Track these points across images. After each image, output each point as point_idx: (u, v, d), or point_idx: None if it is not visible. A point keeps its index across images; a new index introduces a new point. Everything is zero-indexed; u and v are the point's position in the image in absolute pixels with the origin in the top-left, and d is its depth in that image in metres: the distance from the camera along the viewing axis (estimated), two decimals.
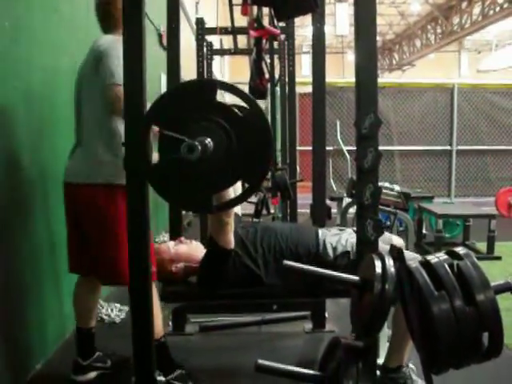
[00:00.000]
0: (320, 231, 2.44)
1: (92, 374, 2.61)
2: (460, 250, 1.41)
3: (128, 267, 1.80)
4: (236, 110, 1.64)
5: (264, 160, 1.66)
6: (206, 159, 1.56)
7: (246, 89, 3.20)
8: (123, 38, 1.73)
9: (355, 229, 2.42)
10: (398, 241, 2.52)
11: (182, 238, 2.51)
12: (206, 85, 1.70)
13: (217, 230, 2.15)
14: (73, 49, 2.99)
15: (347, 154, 7.31)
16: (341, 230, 2.54)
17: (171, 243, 2.47)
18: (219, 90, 1.63)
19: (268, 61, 4.45)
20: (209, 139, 1.58)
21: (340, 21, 12.79)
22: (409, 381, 2.29)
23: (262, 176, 1.73)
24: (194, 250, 2.42)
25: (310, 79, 2.98)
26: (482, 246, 5.25)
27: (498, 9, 13.85)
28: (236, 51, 6.39)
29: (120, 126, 2.25)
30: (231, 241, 2.17)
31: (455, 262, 1.36)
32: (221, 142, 1.60)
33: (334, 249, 2.31)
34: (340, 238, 2.37)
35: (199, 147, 1.53)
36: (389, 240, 2.35)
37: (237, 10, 3.27)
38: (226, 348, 2.92)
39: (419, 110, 8.54)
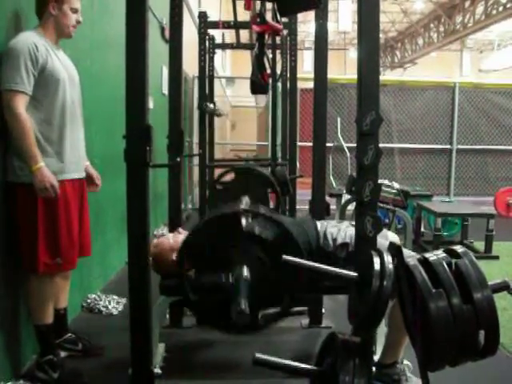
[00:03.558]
0: (319, 223, 2.44)
1: (61, 354, 2.64)
2: (458, 248, 1.41)
3: None
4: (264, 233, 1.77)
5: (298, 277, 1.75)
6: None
7: (247, 83, 3.20)
8: (126, 31, 1.73)
9: (352, 222, 2.44)
10: (394, 237, 2.52)
11: (180, 229, 2.53)
12: (231, 217, 1.81)
13: None
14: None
15: (347, 151, 7.31)
16: (339, 222, 2.55)
17: (170, 235, 2.50)
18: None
19: (270, 56, 4.46)
20: (245, 268, 1.69)
21: (343, 17, 12.78)
22: (403, 377, 2.30)
23: (302, 289, 1.83)
24: None
25: (312, 75, 2.98)
26: (480, 245, 5.26)
27: (501, 8, 13.82)
28: (238, 46, 6.40)
29: None
30: None
31: (453, 261, 1.37)
32: (256, 267, 1.72)
33: (334, 240, 2.31)
34: (339, 229, 2.37)
35: (247, 309, 1.60)
36: (385, 235, 2.35)
37: (240, 5, 3.27)
38: (223, 342, 2.92)
39: (420, 108, 8.54)
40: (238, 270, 1.68)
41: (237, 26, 4.97)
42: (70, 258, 2.49)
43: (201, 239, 1.79)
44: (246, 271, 1.67)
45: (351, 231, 2.34)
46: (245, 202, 2.21)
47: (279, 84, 5.48)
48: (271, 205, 5.01)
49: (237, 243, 1.72)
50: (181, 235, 2.44)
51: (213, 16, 5.12)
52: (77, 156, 2.55)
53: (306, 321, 3.20)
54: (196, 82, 7.17)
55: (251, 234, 1.73)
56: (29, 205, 2.33)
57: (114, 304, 3.49)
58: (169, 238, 2.43)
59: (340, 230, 2.36)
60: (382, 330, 2.44)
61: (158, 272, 2.33)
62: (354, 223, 2.38)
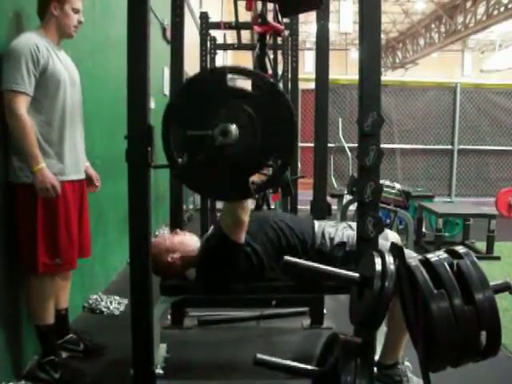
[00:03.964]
0: (317, 222, 2.44)
1: (62, 355, 2.66)
2: (460, 249, 1.41)
3: None
4: (250, 91, 1.65)
5: (289, 133, 1.67)
6: (234, 144, 1.59)
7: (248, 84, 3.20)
8: (128, 32, 1.73)
9: (350, 223, 2.44)
10: (395, 236, 2.53)
11: (178, 230, 2.52)
12: (215, 73, 1.70)
13: (232, 227, 2.12)
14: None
15: (348, 152, 7.31)
16: (337, 222, 2.56)
17: (167, 235, 2.49)
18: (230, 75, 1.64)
19: (271, 56, 4.45)
20: (233, 124, 1.59)
21: (344, 18, 12.78)
22: (404, 378, 2.30)
23: (291, 150, 1.73)
24: (189, 240, 2.42)
25: (313, 75, 2.98)
26: (482, 246, 5.26)
27: (502, 9, 13.81)
28: (239, 46, 6.38)
29: None
30: (243, 237, 2.16)
31: (455, 261, 1.37)
32: (244, 124, 1.61)
33: (332, 239, 2.32)
34: (337, 229, 2.38)
35: (232, 128, 1.54)
36: (385, 236, 2.35)
37: (241, 5, 3.27)
38: (225, 342, 2.93)
39: (421, 108, 8.53)
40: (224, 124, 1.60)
41: (238, 26, 4.96)
42: (70, 258, 2.49)
43: (186, 100, 1.70)
44: (233, 126, 1.60)
45: (348, 231, 2.35)
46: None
47: (280, 84, 5.47)
48: (272, 205, 5.02)
49: (223, 101, 1.63)
50: (178, 236, 2.43)
51: (214, 17, 5.11)
52: (76, 157, 2.55)
53: (307, 321, 3.20)
54: None
55: (237, 90, 1.66)
56: (28, 205, 2.34)
57: (116, 304, 3.49)
58: (165, 239, 2.41)
59: (338, 230, 2.37)
60: (381, 330, 2.43)
61: (154, 273, 2.30)
62: (352, 224, 2.40)
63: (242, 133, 1.60)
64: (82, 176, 2.63)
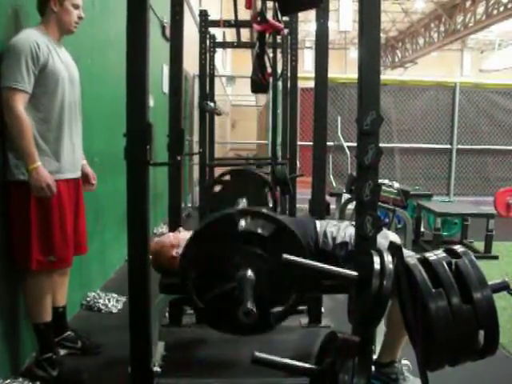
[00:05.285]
0: (318, 222, 2.44)
1: (60, 352, 2.65)
2: (458, 248, 1.41)
3: None
4: (260, 231, 1.77)
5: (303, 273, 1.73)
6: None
7: (248, 82, 3.20)
8: (127, 30, 1.73)
9: (352, 222, 2.44)
10: (395, 237, 2.52)
11: (181, 229, 2.54)
12: (226, 219, 1.79)
13: None
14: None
15: (347, 150, 7.31)
16: (339, 221, 2.55)
17: (171, 233, 2.52)
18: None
19: (271, 55, 4.45)
20: (249, 271, 1.69)
21: (343, 16, 12.76)
22: (401, 376, 2.31)
23: (310, 286, 1.85)
24: None
25: (312, 74, 2.97)
26: (480, 246, 5.26)
27: (501, 8, 13.82)
28: (239, 44, 6.38)
29: None
30: None
31: (453, 260, 1.37)
32: (259, 267, 1.71)
33: (334, 238, 2.31)
34: (339, 228, 2.37)
35: (254, 310, 1.60)
36: (385, 236, 2.35)
37: (241, 3, 3.27)
38: (223, 340, 2.92)
39: (420, 107, 8.53)
40: (240, 272, 1.68)
41: (238, 24, 4.96)
42: (64, 256, 2.47)
43: (199, 247, 1.78)
44: (249, 272, 1.67)
45: (351, 230, 2.34)
46: (242, 205, 2.20)
47: (280, 83, 5.47)
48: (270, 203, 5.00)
49: (236, 245, 1.72)
50: (182, 233, 2.45)
51: (213, 14, 5.11)
52: (73, 156, 2.53)
53: (305, 320, 3.20)
54: (196, 80, 7.16)
55: (249, 233, 1.72)
56: (22, 202, 2.33)
57: (114, 302, 3.49)
58: (169, 236, 2.45)
59: (340, 229, 2.36)
60: (381, 329, 2.44)
61: (157, 269, 2.33)
62: (354, 223, 2.40)
63: (256, 275, 1.70)
64: (79, 174, 2.62)
